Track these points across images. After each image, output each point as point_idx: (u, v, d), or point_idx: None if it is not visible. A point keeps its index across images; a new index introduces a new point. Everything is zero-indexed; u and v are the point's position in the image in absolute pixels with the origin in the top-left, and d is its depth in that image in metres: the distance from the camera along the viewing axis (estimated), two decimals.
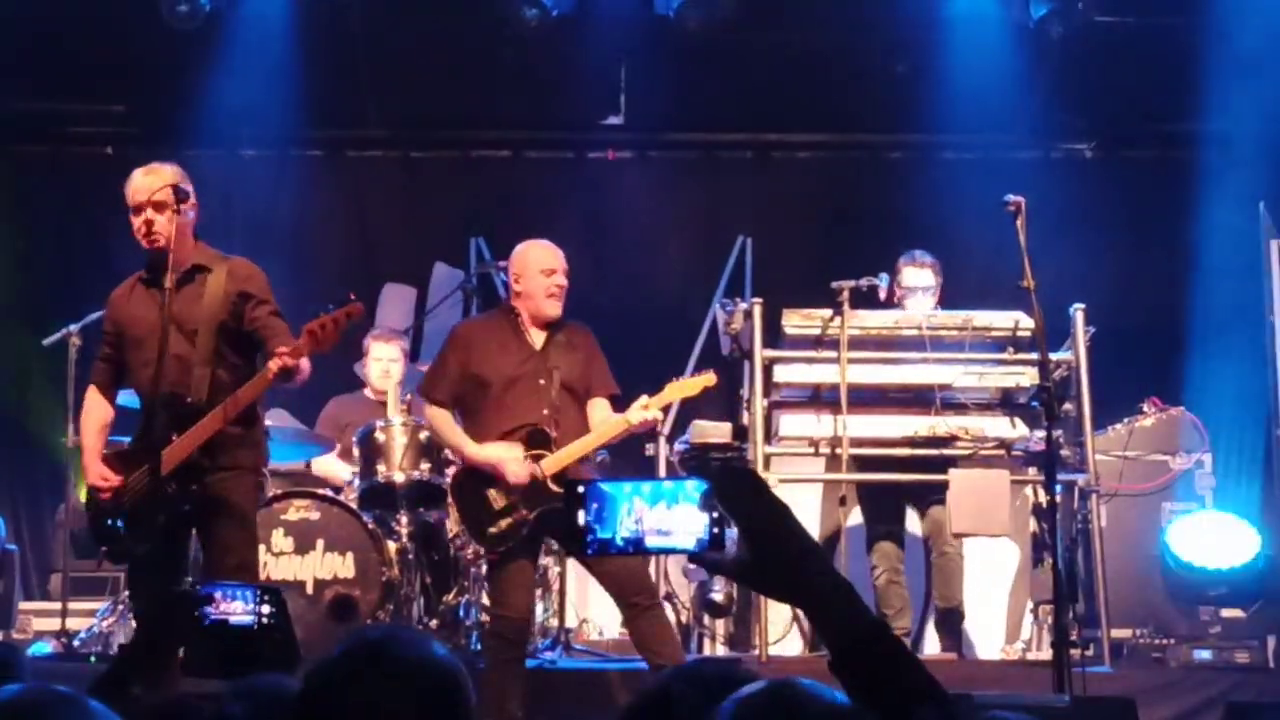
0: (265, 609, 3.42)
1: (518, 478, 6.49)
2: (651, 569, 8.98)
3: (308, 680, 2.22)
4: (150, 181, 5.97)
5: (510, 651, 6.54)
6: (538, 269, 6.78)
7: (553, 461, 6.53)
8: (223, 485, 5.93)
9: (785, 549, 2.04)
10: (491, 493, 6.56)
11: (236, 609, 3.42)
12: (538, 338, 6.75)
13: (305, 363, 5.84)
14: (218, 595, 3.44)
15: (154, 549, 5.86)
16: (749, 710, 2.00)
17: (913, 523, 8.20)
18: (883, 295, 8.06)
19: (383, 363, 8.87)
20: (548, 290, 6.73)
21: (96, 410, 6.25)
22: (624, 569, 6.42)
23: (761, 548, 2.03)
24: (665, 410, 6.91)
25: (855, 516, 8.13)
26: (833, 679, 2.02)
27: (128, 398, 6.35)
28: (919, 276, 8.11)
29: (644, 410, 6.60)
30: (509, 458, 6.51)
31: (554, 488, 6.48)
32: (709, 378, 7.01)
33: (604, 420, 6.68)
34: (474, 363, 6.70)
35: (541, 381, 6.63)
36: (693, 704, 2.13)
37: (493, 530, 6.55)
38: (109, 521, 5.98)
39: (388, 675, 2.17)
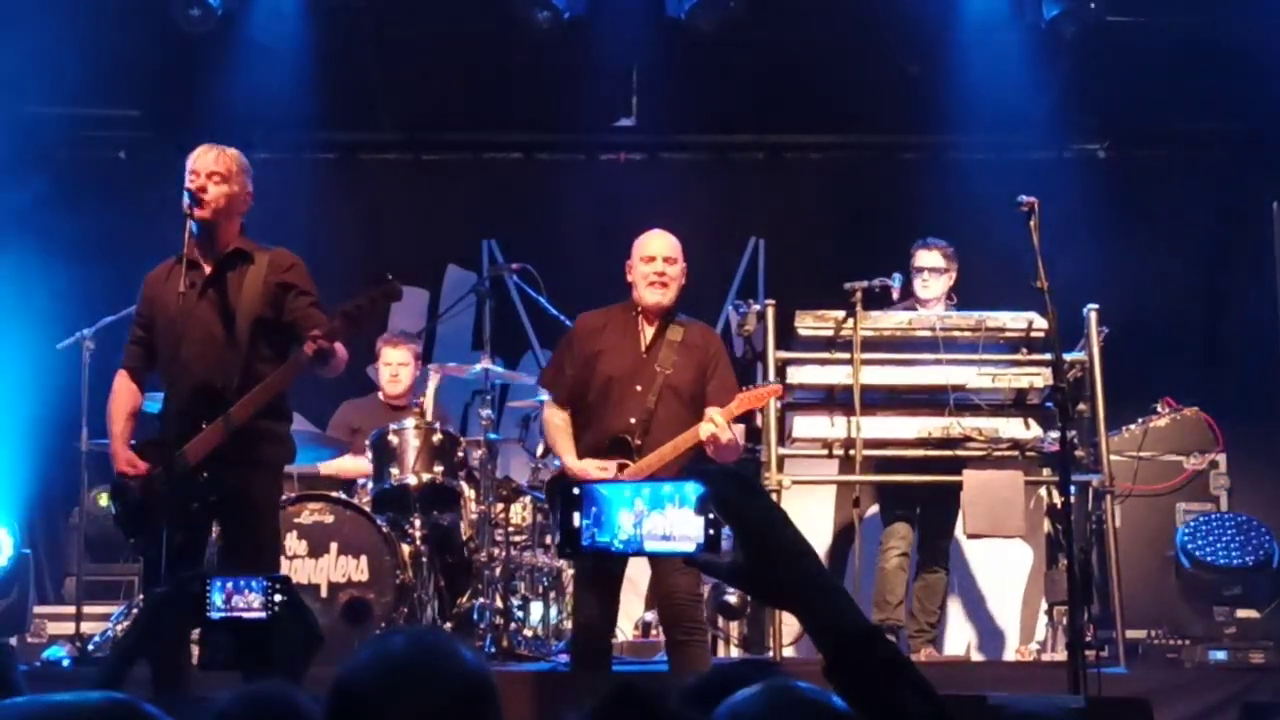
0: (278, 598, 3.40)
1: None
2: None
3: (339, 683, 2.21)
4: (215, 153, 6.00)
5: (589, 659, 6.51)
6: (639, 255, 6.73)
7: (632, 471, 6.34)
8: (248, 483, 5.87)
9: (780, 553, 2.03)
10: None
11: (249, 601, 3.39)
12: (648, 335, 6.65)
13: (341, 348, 5.83)
14: (228, 588, 3.41)
15: (182, 541, 5.78)
16: (745, 713, 2.00)
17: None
18: (896, 296, 8.06)
19: (392, 367, 8.88)
20: (648, 279, 6.65)
21: (124, 396, 6.12)
22: (667, 600, 6.40)
23: (756, 551, 2.03)
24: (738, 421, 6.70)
25: (869, 517, 8.12)
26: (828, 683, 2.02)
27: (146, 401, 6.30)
28: (927, 258, 8.13)
29: (711, 424, 6.39)
30: (594, 471, 6.34)
31: None
32: (775, 388, 6.99)
33: (681, 433, 6.49)
34: (591, 354, 6.63)
35: (639, 387, 6.52)
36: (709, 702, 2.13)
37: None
38: (140, 512, 5.85)
39: (419, 678, 2.17)
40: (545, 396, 6.88)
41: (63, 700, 2.01)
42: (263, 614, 3.37)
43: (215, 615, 3.40)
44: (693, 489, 2.09)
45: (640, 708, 2.00)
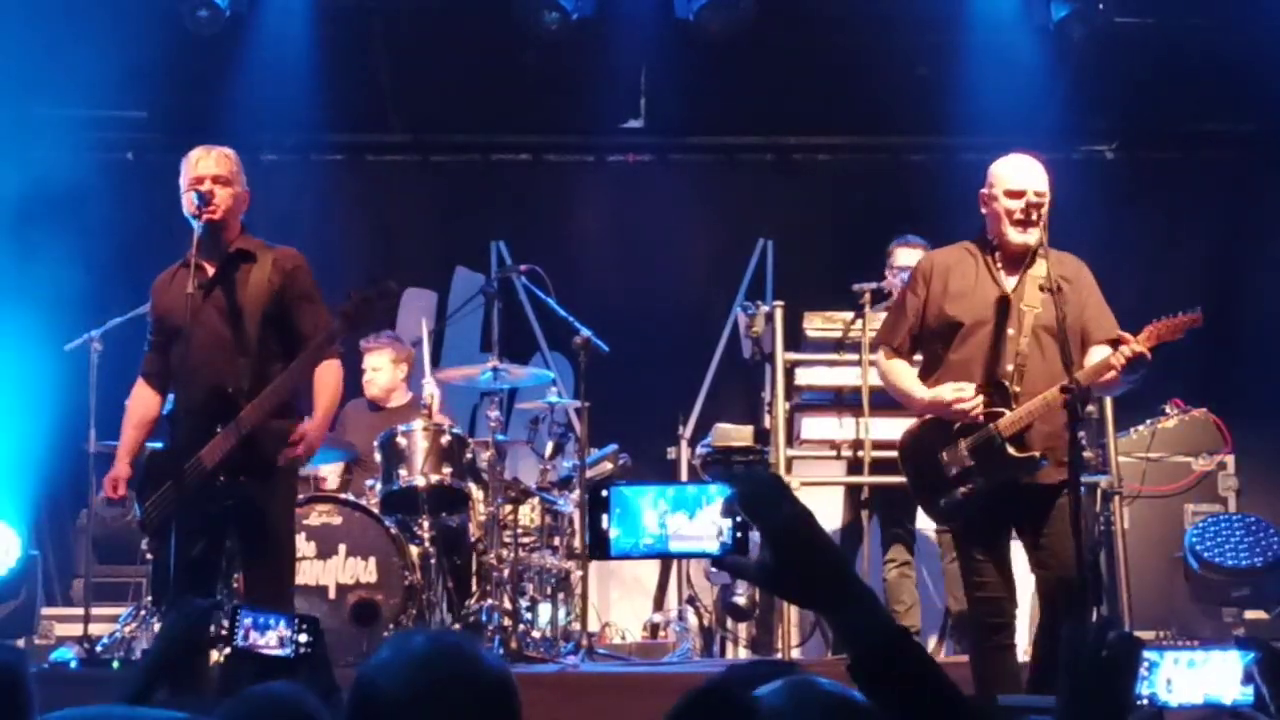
0: (302, 639, 3.40)
1: (962, 409, 5.67)
2: (673, 572, 9.00)
3: (360, 682, 2.21)
4: (214, 156, 6.07)
5: (996, 637, 5.97)
6: (1002, 187, 5.95)
7: (1009, 421, 5.69)
8: (265, 491, 5.88)
9: (809, 555, 2.04)
10: (944, 456, 5.79)
11: (271, 640, 3.40)
12: (1008, 277, 5.92)
13: (335, 364, 5.98)
14: (251, 622, 3.41)
15: (200, 550, 5.78)
16: (769, 709, 2.01)
17: (924, 520, 8.18)
18: None
19: (368, 371, 8.95)
20: (1013, 215, 5.87)
21: (139, 404, 6.15)
22: None
23: (785, 554, 2.03)
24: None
25: (876, 519, 8.12)
26: (852, 682, 2.03)
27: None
28: (910, 256, 8.08)
29: (1132, 345, 5.73)
30: (954, 395, 5.70)
31: (1013, 452, 5.67)
32: (1195, 318, 6.06)
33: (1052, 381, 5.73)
34: (943, 295, 5.95)
35: (1010, 330, 5.82)
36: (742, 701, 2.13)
37: (944, 502, 5.84)
38: (161, 520, 5.84)
39: (443, 678, 2.17)
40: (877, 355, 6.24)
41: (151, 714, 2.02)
42: (284, 651, 3.37)
43: (239, 644, 3.40)
44: (718, 491, 2.10)
45: (731, 704, 2.02)
